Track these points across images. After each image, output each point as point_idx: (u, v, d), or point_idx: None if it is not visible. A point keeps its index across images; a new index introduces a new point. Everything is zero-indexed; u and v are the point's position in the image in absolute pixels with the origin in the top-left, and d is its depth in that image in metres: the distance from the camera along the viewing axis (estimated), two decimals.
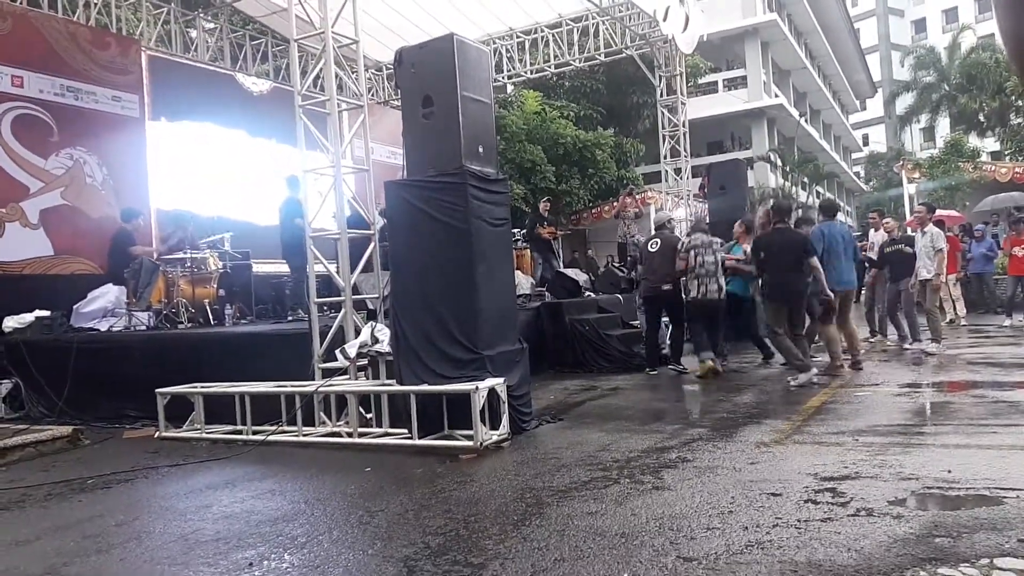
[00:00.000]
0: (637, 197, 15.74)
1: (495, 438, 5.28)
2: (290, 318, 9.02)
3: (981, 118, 27.44)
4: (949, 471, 3.97)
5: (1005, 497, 3.49)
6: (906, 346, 9.35)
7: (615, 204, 16.65)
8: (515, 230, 10.77)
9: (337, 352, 6.09)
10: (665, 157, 15.13)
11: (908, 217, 15.71)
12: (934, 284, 9.14)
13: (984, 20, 43.20)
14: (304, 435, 5.87)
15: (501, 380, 5.43)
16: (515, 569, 3.05)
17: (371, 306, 6.91)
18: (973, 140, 27.32)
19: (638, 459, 4.71)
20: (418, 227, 5.66)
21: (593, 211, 17.64)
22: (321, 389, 5.97)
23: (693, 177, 15.75)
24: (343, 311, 6.41)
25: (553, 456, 4.97)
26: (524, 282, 9.72)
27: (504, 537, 3.45)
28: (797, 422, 5.58)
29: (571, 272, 10.86)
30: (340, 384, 6.03)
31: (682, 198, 15.50)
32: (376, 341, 5.92)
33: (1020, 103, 25.15)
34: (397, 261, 5.82)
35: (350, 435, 5.71)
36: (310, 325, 6.46)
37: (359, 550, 3.40)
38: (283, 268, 10.14)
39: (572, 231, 14.11)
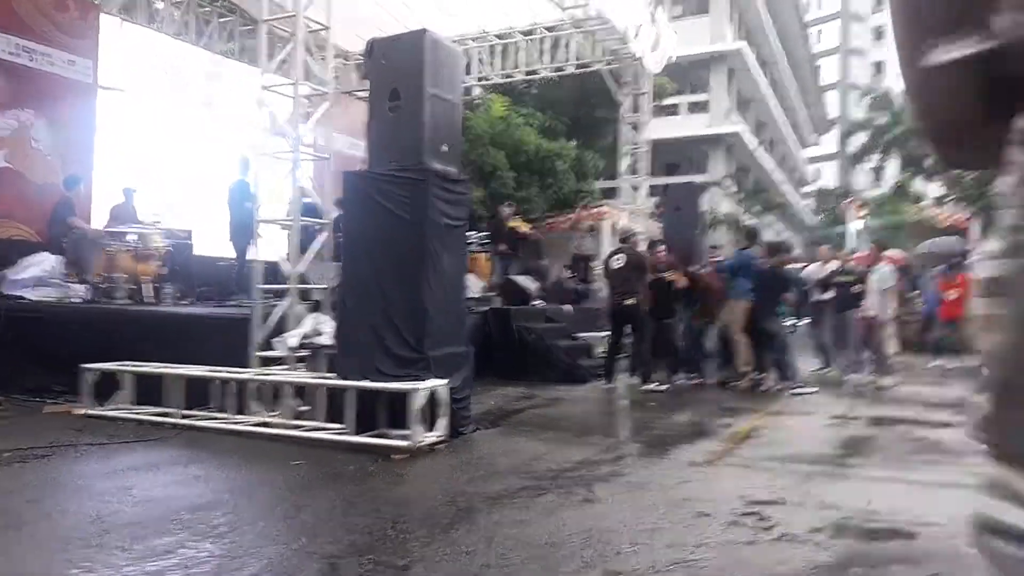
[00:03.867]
0: (594, 211, 15.87)
1: (431, 440, 5.25)
2: (231, 303, 8.83)
3: (927, 164, 28.40)
4: (870, 502, 4.07)
5: (923, 532, 3.60)
6: (845, 377, 9.61)
7: (571, 216, 16.74)
8: (470, 232, 10.72)
9: (276, 341, 5.98)
10: (624, 174, 15.29)
11: (854, 253, 16.15)
12: (879, 321, 9.40)
13: None
14: (235, 423, 5.74)
15: (444, 382, 5.40)
16: (440, 573, 3.03)
17: (317, 297, 6.81)
18: (919, 184, 28.29)
19: (571, 471, 4.73)
20: (374, 220, 5.59)
21: (549, 221, 17.70)
22: (257, 377, 5.85)
23: (651, 196, 15.94)
24: (287, 300, 6.31)
25: (487, 462, 4.96)
26: (474, 285, 9.70)
27: (431, 540, 3.43)
28: (729, 445, 5.68)
29: (522, 279, 10.88)
30: (277, 374, 5.93)
31: (639, 216, 15.68)
32: (319, 333, 5.83)
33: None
34: (349, 253, 5.76)
35: (283, 426, 5.61)
36: (251, 311, 6.33)
37: (282, 544, 3.33)
38: (228, 251, 9.92)
39: (529, 241, 14.13)
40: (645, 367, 8.58)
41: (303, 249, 6.55)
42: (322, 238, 6.64)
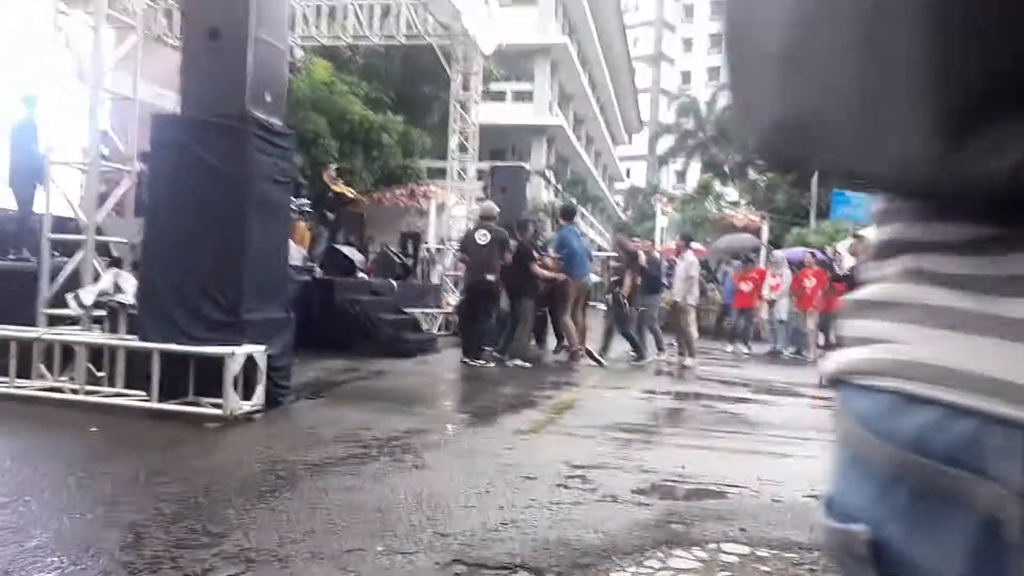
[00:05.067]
0: (423, 190, 15.73)
1: (248, 408, 4.90)
2: (12, 256, 7.77)
3: (726, 169, 31.04)
4: (683, 467, 4.32)
5: (729, 492, 3.86)
6: (651, 357, 10.21)
7: (402, 194, 16.49)
8: (291, 198, 10.18)
9: (69, 297, 5.32)
10: (453, 153, 15.24)
11: (660, 246, 17.23)
12: (682, 306, 10.11)
13: None
14: (17, 387, 5.05)
15: (261, 348, 5.06)
16: (260, 539, 2.82)
17: (116, 252, 6.15)
18: (718, 186, 30.86)
19: (399, 439, 4.61)
20: (186, 170, 5.10)
21: (375, 195, 17.31)
22: (44, 337, 5.17)
23: (478, 179, 16.02)
24: (82, 253, 5.63)
25: (310, 431, 4.72)
26: (295, 253, 9.23)
27: (250, 508, 3.19)
28: (552, 415, 5.83)
29: (347, 250, 10.52)
30: (69, 334, 5.28)
31: (466, 197, 15.72)
32: (119, 290, 5.25)
33: (758, 160, 28.82)
34: (156, 204, 5.23)
35: (75, 392, 5.01)
36: (39, 264, 5.59)
37: (75, 514, 2.95)
38: (6, 199, 8.71)
39: (351, 211, 13.69)
40: (497, 343, 8.64)
41: (103, 199, 5.89)
42: (124, 187, 5.99)
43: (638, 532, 3.17)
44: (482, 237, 8.62)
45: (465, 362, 8.58)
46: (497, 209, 9.45)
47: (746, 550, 3.03)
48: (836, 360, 0.53)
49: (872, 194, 0.53)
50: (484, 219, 9.02)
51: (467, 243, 8.86)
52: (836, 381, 0.53)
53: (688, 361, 9.82)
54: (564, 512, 3.39)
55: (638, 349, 9.74)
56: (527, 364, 8.62)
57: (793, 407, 7.06)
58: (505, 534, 3.06)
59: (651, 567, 2.80)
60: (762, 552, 3.02)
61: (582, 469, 4.12)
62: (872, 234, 0.54)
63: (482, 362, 8.40)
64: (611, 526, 3.21)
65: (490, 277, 8.49)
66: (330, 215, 11.04)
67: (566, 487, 3.78)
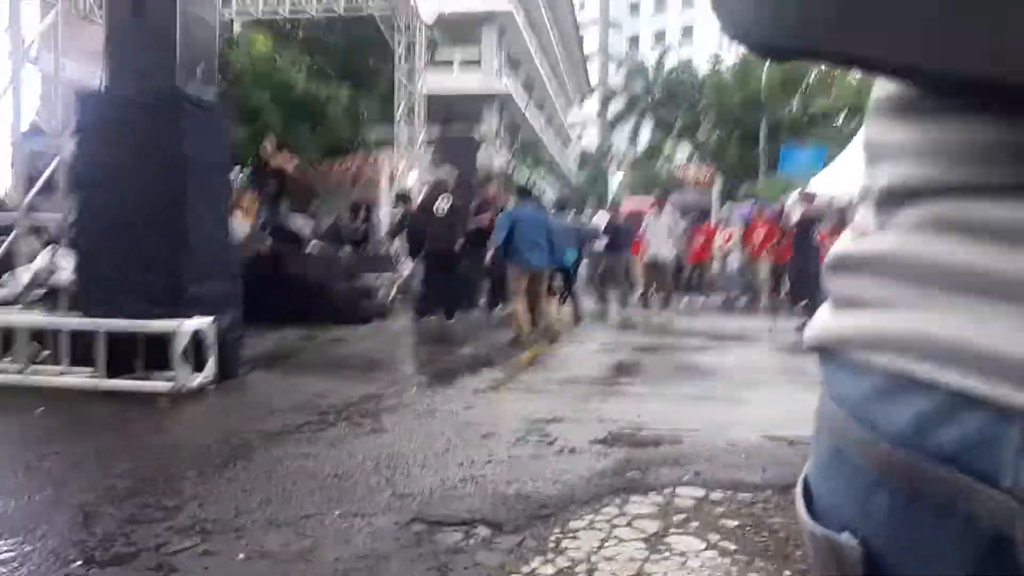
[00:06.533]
0: (371, 161, 15.46)
1: (199, 382, 4.80)
2: None
3: (676, 129, 31.18)
4: (640, 416, 4.37)
5: (684, 438, 3.92)
6: (615, 312, 10.38)
7: (350, 167, 16.18)
8: (236, 167, 9.92)
9: (6, 277, 5.13)
10: (399, 122, 15.02)
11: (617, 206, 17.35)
12: (663, 262, 10.34)
13: (686, 45, 49.15)
14: None
15: (209, 319, 4.94)
16: (215, 511, 2.79)
17: (52, 231, 5.94)
18: (669, 147, 31.04)
19: (356, 404, 4.58)
20: (118, 147, 4.91)
21: (322, 168, 16.98)
22: None
23: (427, 148, 15.85)
24: (14, 233, 5.42)
25: (264, 401, 4.66)
26: (242, 225, 9.02)
27: (204, 480, 3.15)
28: (511, 372, 5.85)
29: (296, 221, 10.31)
30: (8, 315, 5.09)
31: (414, 167, 15.54)
32: (56, 268, 5.08)
33: (705, 119, 29.00)
34: (88, 182, 5.05)
35: (19, 372, 4.85)
36: None
37: (22, 496, 2.87)
38: None
39: (299, 183, 13.43)
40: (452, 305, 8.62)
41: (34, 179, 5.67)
42: (53, 165, 5.77)
43: (596, 481, 3.20)
44: (443, 205, 8.54)
45: (424, 321, 8.59)
46: (454, 178, 9.40)
47: (701, 492, 3.09)
48: (819, 325, 0.44)
49: (873, 77, 0.41)
50: (440, 189, 8.94)
51: (427, 212, 8.72)
52: (818, 351, 0.44)
53: (646, 313, 9.99)
54: (523, 466, 3.41)
55: (574, 299, 9.51)
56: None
57: (746, 354, 7.18)
58: (464, 491, 3.07)
59: (608, 514, 2.83)
60: (716, 495, 3.08)
61: (541, 423, 4.15)
62: (867, 175, 0.44)
63: (452, 321, 8.47)
64: (569, 477, 3.24)
65: (452, 247, 8.44)
66: (273, 187, 10.81)
67: (525, 442, 3.81)
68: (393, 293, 10.75)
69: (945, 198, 0.37)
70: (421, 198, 9.78)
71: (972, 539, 0.34)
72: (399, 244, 11.99)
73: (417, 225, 9.18)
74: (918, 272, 0.37)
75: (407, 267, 10.59)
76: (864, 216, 0.43)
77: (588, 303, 10.41)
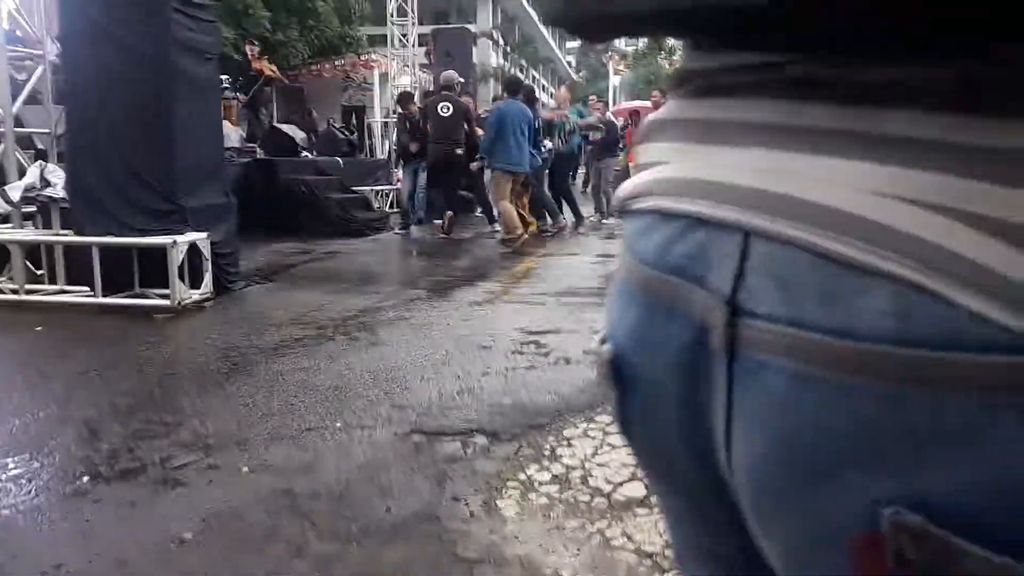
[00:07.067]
0: (363, 59, 15.03)
1: (196, 297, 4.84)
2: None
3: None
4: None
5: None
6: (604, 221, 10.24)
7: (341, 65, 15.73)
8: (224, 77, 9.64)
9: None
10: (392, 16, 14.47)
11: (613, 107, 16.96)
12: None
13: None
14: None
15: (204, 235, 4.93)
16: (217, 426, 2.85)
17: (40, 144, 5.83)
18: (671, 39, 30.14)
19: (354, 318, 4.62)
20: (103, 51, 4.75)
21: (313, 68, 16.50)
22: None
23: (420, 45, 15.32)
24: (2, 147, 5.32)
25: (262, 316, 4.69)
26: (232, 134, 8.85)
27: (205, 396, 3.21)
28: (507, 284, 5.87)
29: (287, 128, 10.10)
30: (1, 233, 5.07)
31: (408, 65, 15.09)
32: (47, 184, 5.02)
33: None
34: (75, 91, 4.92)
35: (15, 292, 4.87)
36: None
37: (26, 413, 2.93)
38: None
39: (289, 87, 13.07)
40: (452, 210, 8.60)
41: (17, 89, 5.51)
42: (38, 74, 5.61)
43: (590, 391, 3.26)
44: (444, 109, 8.33)
45: (398, 232, 8.61)
46: (459, 78, 9.10)
47: None
48: (620, 189, 0.52)
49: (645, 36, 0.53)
50: (445, 89, 8.68)
51: (431, 116, 8.47)
52: (620, 212, 0.53)
53: None
54: (519, 377, 3.47)
55: (554, 215, 9.10)
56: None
57: None
58: (461, 402, 3.14)
59: (601, 422, 2.90)
60: None
61: (537, 335, 4.19)
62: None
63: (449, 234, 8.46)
64: (564, 387, 3.31)
65: (458, 150, 8.28)
66: (255, 92, 10.56)
67: (521, 353, 3.86)
68: (389, 204, 10.68)
69: (691, 80, 0.47)
70: (426, 99, 9.54)
71: (687, 331, 0.42)
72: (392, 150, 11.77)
73: (417, 129, 8.97)
74: (676, 130, 0.47)
75: (399, 174, 10.44)
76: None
77: (588, 210, 10.35)
